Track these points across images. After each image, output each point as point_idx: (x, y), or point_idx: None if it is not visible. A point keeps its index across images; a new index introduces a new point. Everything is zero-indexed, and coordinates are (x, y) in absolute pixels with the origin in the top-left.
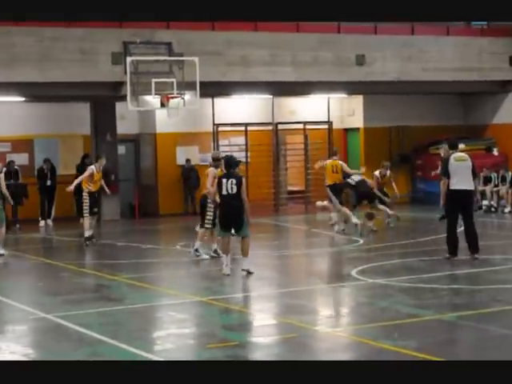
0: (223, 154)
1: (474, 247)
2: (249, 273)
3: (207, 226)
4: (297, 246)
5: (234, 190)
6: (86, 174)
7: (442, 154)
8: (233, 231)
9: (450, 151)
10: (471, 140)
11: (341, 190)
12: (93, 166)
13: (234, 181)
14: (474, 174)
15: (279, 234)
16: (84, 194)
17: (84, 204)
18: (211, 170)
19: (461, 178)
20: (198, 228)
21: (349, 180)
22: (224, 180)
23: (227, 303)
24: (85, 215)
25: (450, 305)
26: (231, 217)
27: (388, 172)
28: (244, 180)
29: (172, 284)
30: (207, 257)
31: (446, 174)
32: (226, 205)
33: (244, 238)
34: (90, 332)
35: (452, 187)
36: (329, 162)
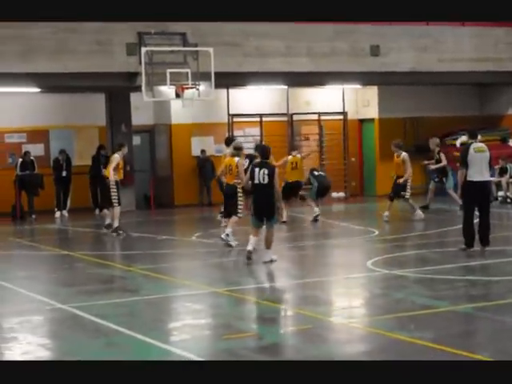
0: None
1: (485, 240)
2: (272, 261)
3: (240, 214)
4: (312, 237)
5: (266, 180)
6: (115, 163)
7: (431, 146)
8: None
9: (469, 141)
10: (487, 131)
11: (298, 188)
12: (117, 155)
13: (267, 171)
14: (490, 166)
15: (294, 225)
16: (112, 183)
17: (112, 194)
18: (239, 160)
19: (478, 169)
20: (219, 217)
21: (314, 172)
22: (257, 169)
23: (243, 294)
24: (115, 205)
25: (465, 296)
26: (263, 206)
27: (402, 153)
28: (277, 170)
29: (188, 275)
30: (235, 243)
31: (464, 164)
32: (258, 194)
33: (269, 229)
34: (106, 322)
35: (469, 178)
36: (290, 157)
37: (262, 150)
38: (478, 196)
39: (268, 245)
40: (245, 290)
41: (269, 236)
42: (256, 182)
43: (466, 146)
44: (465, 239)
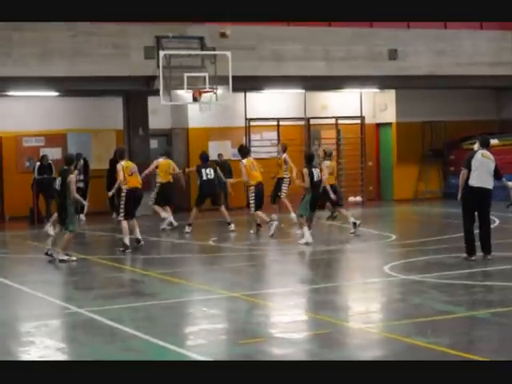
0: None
1: (486, 248)
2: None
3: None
4: (329, 242)
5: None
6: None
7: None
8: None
9: (480, 148)
10: (504, 135)
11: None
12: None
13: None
14: (498, 175)
15: (311, 229)
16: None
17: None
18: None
19: (481, 175)
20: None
21: None
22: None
23: (259, 299)
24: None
25: (483, 302)
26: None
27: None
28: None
29: (204, 279)
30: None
31: (467, 166)
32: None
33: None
34: (123, 327)
35: (470, 182)
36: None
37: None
38: (476, 202)
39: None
40: (261, 294)
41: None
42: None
43: (474, 150)
44: (465, 247)
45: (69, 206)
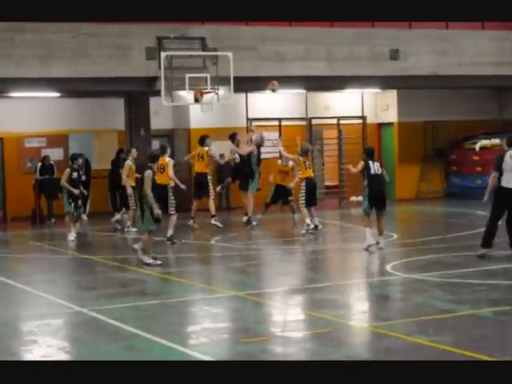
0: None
1: None
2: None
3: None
4: (331, 241)
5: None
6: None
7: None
8: None
9: (506, 148)
10: (506, 135)
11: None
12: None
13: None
14: None
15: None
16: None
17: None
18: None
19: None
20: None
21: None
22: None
23: (261, 298)
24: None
25: (486, 300)
26: (382, 195)
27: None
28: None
29: (207, 279)
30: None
31: (498, 168)
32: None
33: (383, 218)
34: (126, 326)
35: (503, 184)
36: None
37: (371, 152)
38: (508, 203)
39: (382, 232)
40: (264, 293)
41: (383, 225)
42: (372, 172)
43: (502, 153)
44: (484, 239)
45: (145, 207)
